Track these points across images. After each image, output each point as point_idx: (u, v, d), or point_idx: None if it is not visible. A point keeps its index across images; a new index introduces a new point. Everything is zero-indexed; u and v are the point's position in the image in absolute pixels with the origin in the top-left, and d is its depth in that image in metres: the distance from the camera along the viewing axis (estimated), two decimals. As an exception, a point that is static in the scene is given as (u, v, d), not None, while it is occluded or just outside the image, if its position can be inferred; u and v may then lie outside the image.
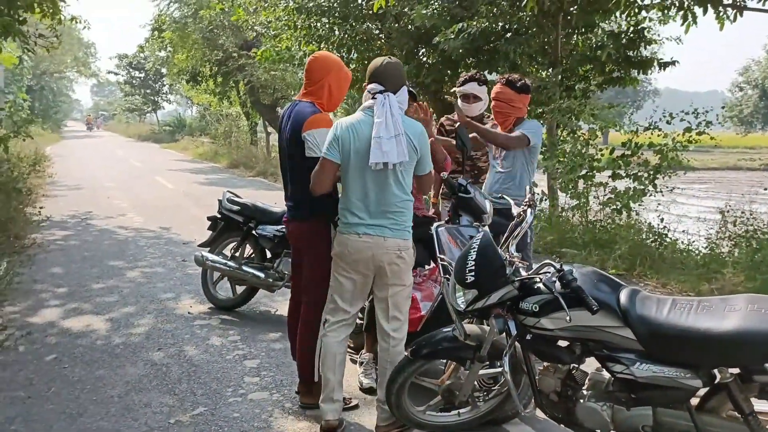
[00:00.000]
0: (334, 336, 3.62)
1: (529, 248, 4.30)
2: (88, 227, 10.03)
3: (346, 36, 12.35)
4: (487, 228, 3.96)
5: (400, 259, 3.43)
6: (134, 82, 49.66)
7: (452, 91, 5.62)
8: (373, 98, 3.42)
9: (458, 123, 4.11)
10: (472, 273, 2.93)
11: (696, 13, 8.20)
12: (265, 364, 4.59)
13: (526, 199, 3.25)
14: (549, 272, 2.86)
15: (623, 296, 2.81)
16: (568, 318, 2.72)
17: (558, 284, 2.78)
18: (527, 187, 3.38)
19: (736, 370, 2.69)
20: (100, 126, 76.73)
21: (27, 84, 41.71)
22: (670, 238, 8.14)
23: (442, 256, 3.71)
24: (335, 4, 12.23)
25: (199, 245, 6.19)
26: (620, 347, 2.80)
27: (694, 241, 8.05)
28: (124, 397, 4.04)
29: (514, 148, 4.35)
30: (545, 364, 3.09)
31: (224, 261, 5.76)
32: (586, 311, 2.72)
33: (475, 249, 2.99)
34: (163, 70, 37.38)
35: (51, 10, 13.46)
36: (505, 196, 3.88)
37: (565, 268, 2.80)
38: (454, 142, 4.69)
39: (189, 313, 5.77)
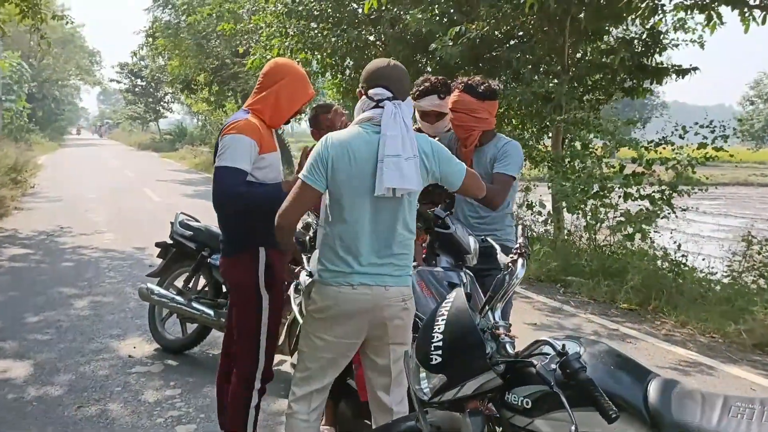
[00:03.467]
0: (303, 412, 2.74)
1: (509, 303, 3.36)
2: (51, 245, 9.23)
3: (340, 42, 11.61)
4: (466, 277, 3.14)
5: (405, 312, 2.68)
6: (136, 90, 49.07)
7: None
8: (376, 107, 2.62)
9: (436, 137, 3.31)
10: (439, 352, 2.10)
11: (721, 12, 7.43)
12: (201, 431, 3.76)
13: (517, 246, 2.41)
14: (547, 354, 2.02)
15: (654, 392, 1.97)
16: (573, 427, 1.88)
17: (559, 372, 1.94)
18: (519, 228, 2.53)
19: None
20: (104, 134, 76.56)
21: (27, 92, 41.26)
22: (688, 266, 7.29)
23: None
24: (328, 9, 11.49)
25: (148, 275, 5.38)
26: (648, 465, 1.95)
27: (715, 272, 7.18)
28: (10, 480, 3.21)
29: (503, 200, 3.30)
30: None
31: (171, 296, 4.94)
32: (600, 415, 1.88)
33: (444, 317, 2.15)
34: (169, 78, 36.88)
35: (30, 10, 12.77)
36: (488, 239, 3.04)
37: (569, 348, 1.95)
38: None
39: (130, 356, 4.94)
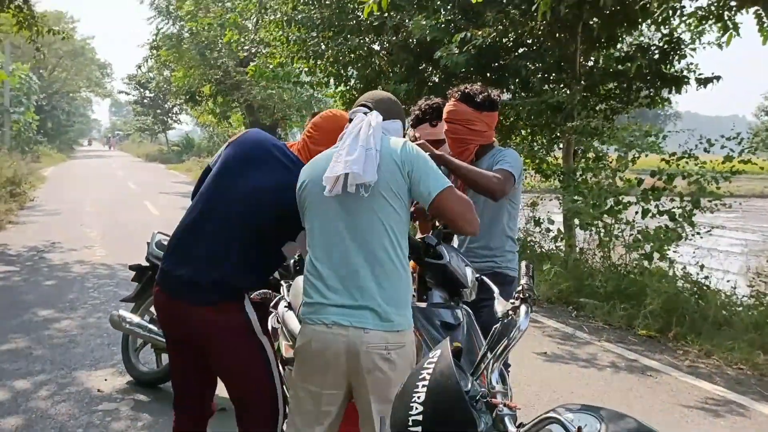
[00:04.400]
0: None
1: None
2: (39, 262, 8.83)
3: (342, 51, 11.21)
4: (462, 315, 2.67)
5: (387, 363, 2.16)
6: (144, 101, 49.00)
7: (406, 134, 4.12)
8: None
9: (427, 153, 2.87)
10: (418, 429, 1.64)
11: (738, 23, 6.99)
12: (162, 485, 3.31)
13: (519, 289, 1.94)
14: (558, 435, 1.56)
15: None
16: None
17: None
18: (523, 265, 2.06)
19: None
20: (113, 146, 76.79)
21: (36, 103, 41.29)
22: (711, 287, 6.78)
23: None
24: (332, 16, 11.08)
25: (122, 300, 4.96)
26: None
27: (741, 295, 6.65)
28: None
29: (502, 192, 2.90)
30: None
31: (145, 324, 4.50)
32: None
33: (425, 382, 1.69)
34: (173, 89, 36.74)
35: (27, 22, 12.59)
36: (484, 278, 2.57)
37: (588, 429, 1.50)
38: None
39: (99, 390, 4.49)
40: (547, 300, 7.17)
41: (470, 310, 2.74)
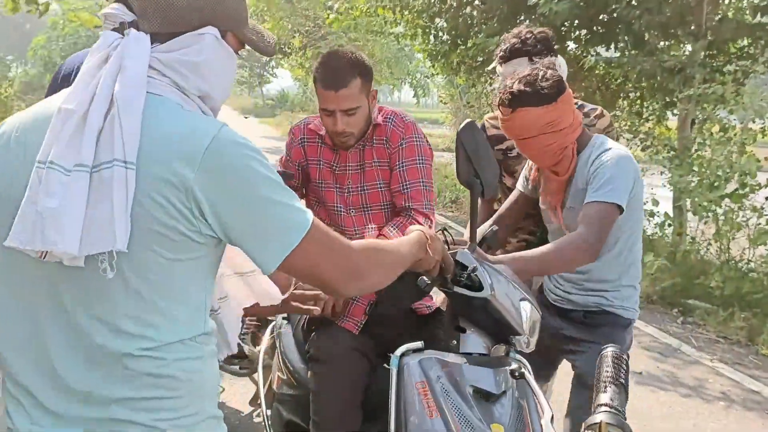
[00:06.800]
0: None
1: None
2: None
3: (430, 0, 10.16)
4: (519, 366, 1.70)
5: None
6: (241, 54, 49.32)
7: (492, 69, 2.94)
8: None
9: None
10: None
11: None
12: None
13: (604, 401, 0.96)
14: None
15: None
16: None
17: None
18: (609, 353, 1.10)
19: None
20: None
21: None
22: None
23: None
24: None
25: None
26: None
27: None
28: None
29: (596, 252, 1.91)
30: None
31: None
32: None
33: None
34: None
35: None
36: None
37: None
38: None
39: None
40: (647, 298, 5.99)
41: (528, 366, 1.76)
